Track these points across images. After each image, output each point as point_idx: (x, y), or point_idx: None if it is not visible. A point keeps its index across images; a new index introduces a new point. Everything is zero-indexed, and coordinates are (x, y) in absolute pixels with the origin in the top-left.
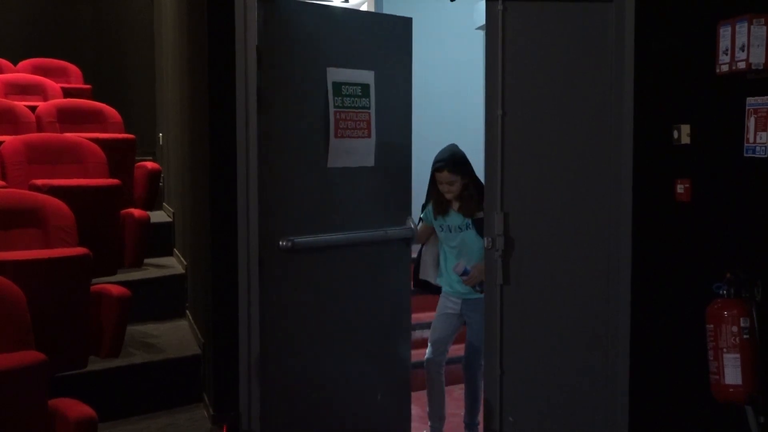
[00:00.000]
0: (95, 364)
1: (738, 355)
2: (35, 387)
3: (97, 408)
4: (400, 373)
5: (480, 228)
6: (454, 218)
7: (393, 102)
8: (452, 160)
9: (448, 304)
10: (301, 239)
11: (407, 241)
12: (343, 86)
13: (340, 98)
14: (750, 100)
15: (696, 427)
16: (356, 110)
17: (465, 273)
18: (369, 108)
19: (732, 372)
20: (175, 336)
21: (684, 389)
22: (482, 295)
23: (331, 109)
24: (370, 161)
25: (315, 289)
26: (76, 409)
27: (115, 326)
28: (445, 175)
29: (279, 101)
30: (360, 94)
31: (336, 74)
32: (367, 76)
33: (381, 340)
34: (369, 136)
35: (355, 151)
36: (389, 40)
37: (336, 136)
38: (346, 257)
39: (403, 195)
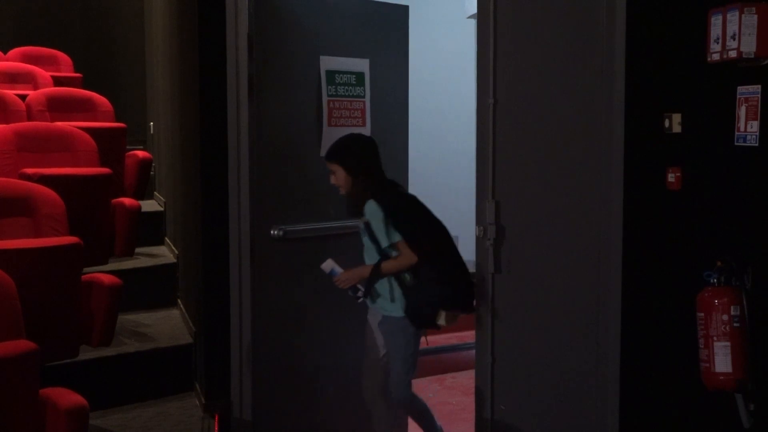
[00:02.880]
0: (86, 353)
1: (728, 343)
2: (26, 376)
3: (88, 397)
4: None
5: (369, 234)
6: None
7: (389, 90)
8: (333, 148)
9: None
10: (292, 228)
11: None
12: (336, 74)
13: (333, 87)
14: (741, 88)
15: (686, 414)
16: (350, 99)
17: (333, 273)
18: (364, 96)
19: (722, 360)
20: (167, 325)
21: (675, 377)
22: (393, 314)
23: (324, 98)
24: None
25: (306, 278)
26: (67, 398)
27: (107, 315)
28: (328, 164)
29: (271, 90)
30: (354, 82)
31: (329, 63)
32: (361, 65)
33: None
34: (363, 124)
35: None
36: (385, 28)
37: (329, 124)
38: (338, 246)
39: None
